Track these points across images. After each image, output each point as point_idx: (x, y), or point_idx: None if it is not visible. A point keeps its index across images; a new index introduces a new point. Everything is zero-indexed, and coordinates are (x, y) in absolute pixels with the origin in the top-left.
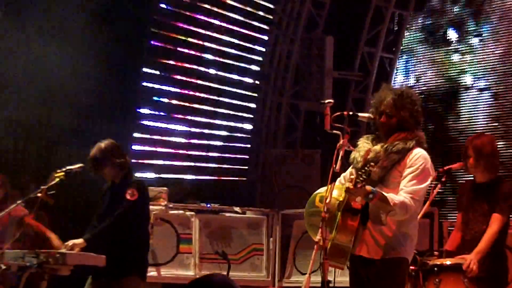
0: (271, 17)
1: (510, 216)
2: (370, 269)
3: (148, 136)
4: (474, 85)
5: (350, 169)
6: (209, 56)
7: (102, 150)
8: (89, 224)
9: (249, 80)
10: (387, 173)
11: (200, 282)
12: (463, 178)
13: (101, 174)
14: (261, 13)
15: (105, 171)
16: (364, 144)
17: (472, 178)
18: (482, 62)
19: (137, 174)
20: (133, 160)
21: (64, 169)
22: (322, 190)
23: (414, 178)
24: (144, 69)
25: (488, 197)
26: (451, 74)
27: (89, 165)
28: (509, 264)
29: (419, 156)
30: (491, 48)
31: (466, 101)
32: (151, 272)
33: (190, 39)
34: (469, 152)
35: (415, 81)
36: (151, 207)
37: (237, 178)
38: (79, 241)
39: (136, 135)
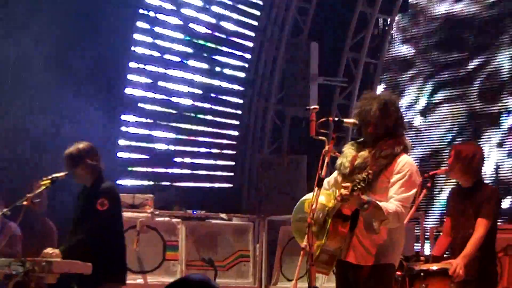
0: (256, 23)
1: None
2: (358, 274)
3: (133, 143)
4: None
5: (334, 175)
6: (194, 63)
7: (78, 149)
8: (69, 231)
9: (234, 86)
10: (375, 179)
11: (178, 282)
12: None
13: (73, 173)
14: (246, 19)
15: (77, 171)
16: (349, 150)
17: (460, 184)
18: None
19: (123, 182)
20: (119, 168)
21: (50, 177)
22: (309, 196)
23: (402, 185)
24: (129, 76)
25: (472, 201)
26: None
27: (63, 162)
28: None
29: (405, 162)
30: None
31: None
32: (138, 280)
33: (174, 46)
34: (451, 153)
35: None
36: (137, 214)
37: (223, 185)
38: (56, 251)
39: (121, 142)
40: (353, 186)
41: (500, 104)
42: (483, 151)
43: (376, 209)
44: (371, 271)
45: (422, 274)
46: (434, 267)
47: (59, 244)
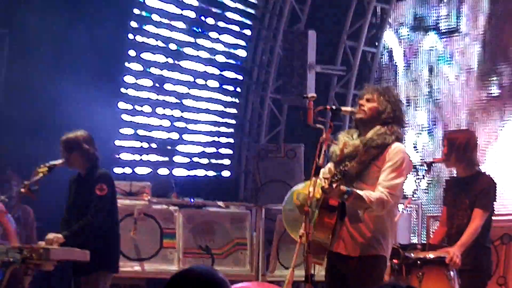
0: (253, 12)
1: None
2: (347, 266)
3: (130, 131)
4: None
5: (329, 165)
6: (192, 51)
7: (76, 135)
8: (62, 218)
9: (232, 74)
10: (366, 169)
11: (183, 274)
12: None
13: (68, 159)
14: (243, 7)
15: (72, 156)
16: (344, 138)
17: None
18: None
19: (120, 170)
20: (116, 156)
21: (47, 164)
22: (299, 187)
23: (392, 171)
24: (126, 64)
25: (468, 192)
26: None
27: (60, 147)
28: (492, 257)
29: (398, 150)
30: None
31: None
32: (135, 267)
33: (172, 34)
34: (444, 143)
35: None
36: (134, 202)
37: (220, 173)
38: (59, 236)
39: (118, 130)
40: (331, 178)
41: None
42: (476, 136)
43: (357, 199)
44: (359, 262)
45: (419, 262)
46: (431, 255)
47: (41, 231)
